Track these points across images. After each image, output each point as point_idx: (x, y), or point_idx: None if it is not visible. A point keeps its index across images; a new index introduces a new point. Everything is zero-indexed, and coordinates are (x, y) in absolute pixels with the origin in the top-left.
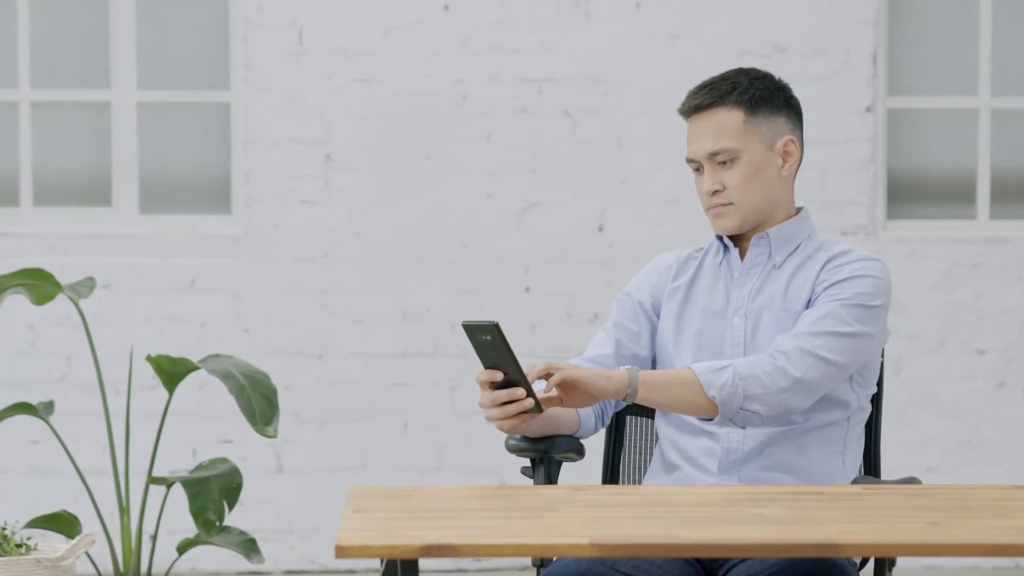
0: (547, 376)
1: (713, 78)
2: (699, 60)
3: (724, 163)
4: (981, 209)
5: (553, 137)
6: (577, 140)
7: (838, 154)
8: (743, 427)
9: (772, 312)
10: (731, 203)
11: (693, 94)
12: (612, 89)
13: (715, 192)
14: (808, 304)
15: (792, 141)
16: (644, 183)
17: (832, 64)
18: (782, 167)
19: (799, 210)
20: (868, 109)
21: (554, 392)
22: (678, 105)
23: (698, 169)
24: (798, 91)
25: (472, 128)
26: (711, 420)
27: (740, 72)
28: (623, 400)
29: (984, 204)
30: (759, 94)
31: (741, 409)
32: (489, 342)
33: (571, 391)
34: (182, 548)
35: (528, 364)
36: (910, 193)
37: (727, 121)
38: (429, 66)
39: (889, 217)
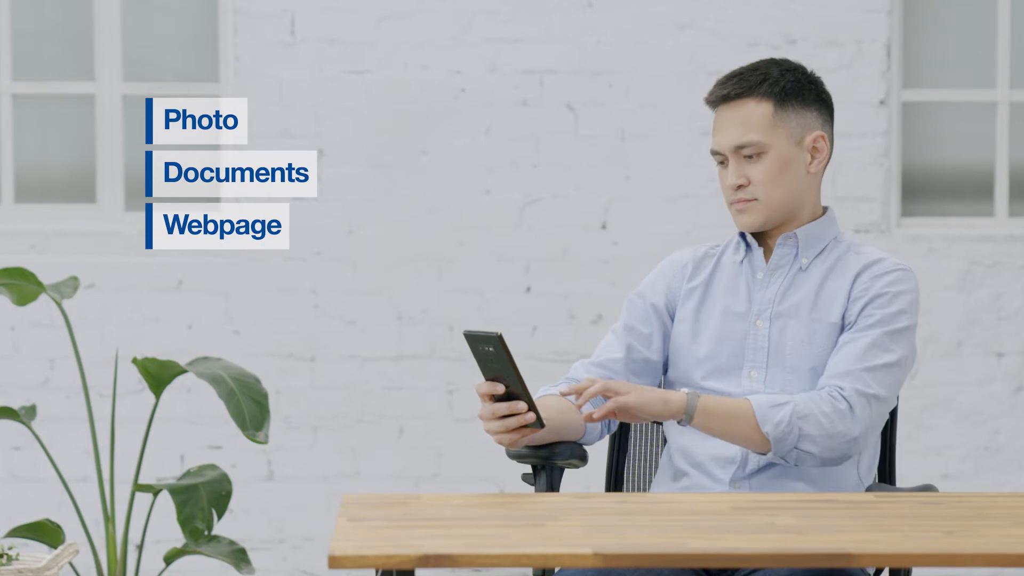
0: (606, 395)
1: (743, 67)
2: (707, 51)
3: (750, 157)
4: (1000, 206)
5: (555, 130)
6: (580, 134)
7: (851, 148)
8: (796, 465)
9: (800, 320)
10: (755, 199)
11: (721, 83)
12: (616, 81)
13: (739, 187)
14: (843, 318)
15: (822, 137)
16: (649, 178)
17: (845, 55)
18: (810, 163)
19: (825, 210)
20: (882, 102)
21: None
22: (705, 95)
23: (722, 162)
24: None
25: (470, 121)
26: (763, 455)
27: (771, 63)
28: (678, 423)
29: (1003, 201)
30: (790, 86)
31: (795, 448)
32: (491, 353)
33: (618, 414)
34: (169, 558)
35: (598, 376)
36: (926, 189)
37: (755, 113)
38: (425, 56)
39: (904, 214)
